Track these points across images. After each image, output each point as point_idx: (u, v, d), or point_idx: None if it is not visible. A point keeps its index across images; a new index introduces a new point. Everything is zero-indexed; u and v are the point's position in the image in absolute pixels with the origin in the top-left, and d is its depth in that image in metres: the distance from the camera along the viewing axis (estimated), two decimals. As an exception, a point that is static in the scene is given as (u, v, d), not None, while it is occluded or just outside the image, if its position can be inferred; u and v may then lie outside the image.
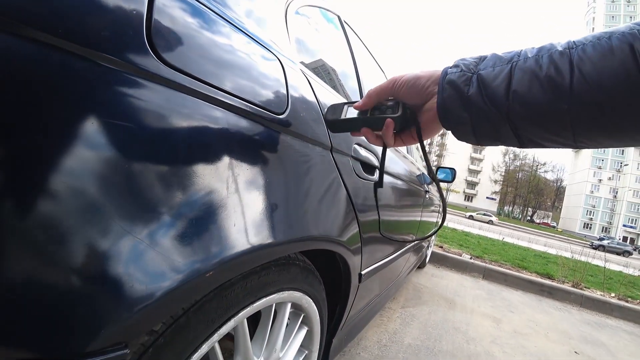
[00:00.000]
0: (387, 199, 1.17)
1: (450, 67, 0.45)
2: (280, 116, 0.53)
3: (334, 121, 0.55)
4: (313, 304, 0.74)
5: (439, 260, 3.94)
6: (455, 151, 61.24)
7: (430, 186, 2.37)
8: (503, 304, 2.87)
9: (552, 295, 3.46)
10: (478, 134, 0.44)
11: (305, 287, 0.68)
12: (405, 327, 1.94)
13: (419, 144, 0.53)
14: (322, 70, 0.94)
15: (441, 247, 4.89)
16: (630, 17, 53.68)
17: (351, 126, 0.55)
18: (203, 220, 0.38)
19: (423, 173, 2.14)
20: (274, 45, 0.59)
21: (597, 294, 3.68)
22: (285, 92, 0.56)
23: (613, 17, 55.06)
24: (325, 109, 0.54)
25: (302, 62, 0.74)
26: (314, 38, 0.93)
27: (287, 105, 0.56)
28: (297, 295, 0.66)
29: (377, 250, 1.12)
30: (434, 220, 3.02)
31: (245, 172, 0.45)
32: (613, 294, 4.00)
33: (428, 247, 3.31)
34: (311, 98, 0.66)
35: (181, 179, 0.36)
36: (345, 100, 0.56)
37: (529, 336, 2.25)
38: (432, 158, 64.11)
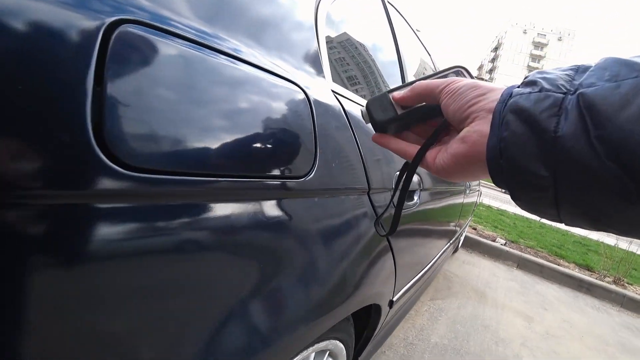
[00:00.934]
0: (424, 211, 1.09)
1: (520, 86, 0.28)
2: (305, 178, 0.45)
3: (391, 120, 0.39)
4: (340, 345, 0.71)
5: (472, 245, 3.83)
6: (509, 72, 57.29)
7: None
8: (537, 299, 2.77)
9: (591, 292, 3.30)
10: (568, 208, 0.26)
11: (337, 334, 0.65)
12: (433, 323, 1.92)
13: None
14: (361, 62, 0.82)
15: (475, 228, 4.75)
16: None
17: (412, 119, 0.40)
18: (251, 322, 0.37)
19: None
20: (298, 70, 0.47)
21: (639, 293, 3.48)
22: (312, 142, 0.46)
23: None
24: (365, 109, 0.41)
25: (336, 69, 0.63)
26: (352, 27, 0.80)
27: (314, 160, 0.47)
28: (326, 343, 0.63)
29: (410, 270, 1.07)
30: (474, 199, 2.90)
31: (274, 257, 0.41)
32: (659, 293, 3.76)
33: (462, 232, 3.21)
34: (347, 134, 0.57)
35: (212, 289, 0.33)
36: (385, 91, 0.41)
37: (562, 339, 2.17)
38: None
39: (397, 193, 0.42)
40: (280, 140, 0.40)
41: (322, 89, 0.53)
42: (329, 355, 0.75)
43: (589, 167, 0.23)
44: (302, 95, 0.45)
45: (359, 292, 0.63)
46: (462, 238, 3.45)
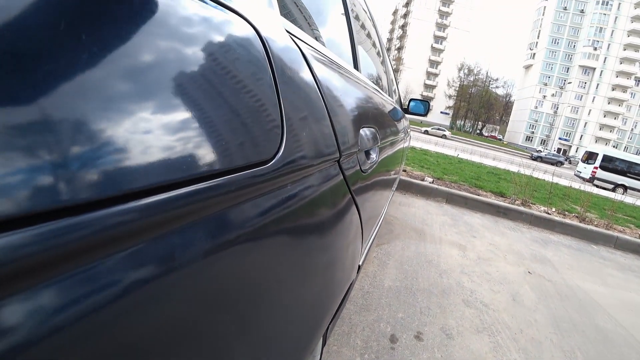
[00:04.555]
0: (377, 168, 1.03)
1: None
2: (272, 161, 0.31)
3: None
4: None
5: (405, 187, 4.04)
6: (412, 65, 60.41)
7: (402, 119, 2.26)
8: (466, 228, 3.06)
9: (507, 216, 3.75)
10: None
11: None
12: (383, 268, 1.98)
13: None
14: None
15: (405, 170, 5.02)
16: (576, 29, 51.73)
17: None
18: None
19: (395, 107, 1.99)
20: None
21: (541, 211, 4.06)
22: (277, 108, 0.32)
23: (559, 27, 52.77)
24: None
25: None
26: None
27: (281, 133, 0.33)
28: None
29: (369, 228, 1.03)
30: (409, 143, 2.97)
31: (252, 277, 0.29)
32: (554, 209, 4.46)
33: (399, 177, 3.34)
34: (313, 90, 0.44)
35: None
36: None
37: (491, 261, 2.43)
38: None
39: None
40: (232, 113, 0.26)
41: (276, 27, 0.38)
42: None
43: None
44: (255, 39, 0.31)
45: (348, 273, 0.54)
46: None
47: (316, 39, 0.61)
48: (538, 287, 2.18)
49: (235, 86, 0.27)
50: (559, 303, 2.03)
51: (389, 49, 66.40)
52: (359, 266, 0.84)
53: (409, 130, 3.23)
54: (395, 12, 70.00)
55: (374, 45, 1.53)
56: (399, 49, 64.29)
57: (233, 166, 0.25)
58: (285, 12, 0.49)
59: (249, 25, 0.30)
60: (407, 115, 2.71)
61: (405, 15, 64.08)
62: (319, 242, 0.45)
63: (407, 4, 63.82)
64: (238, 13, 0.29)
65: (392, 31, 69.24)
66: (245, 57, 0.28)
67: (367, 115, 0.77)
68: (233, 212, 0.26)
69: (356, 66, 0.89)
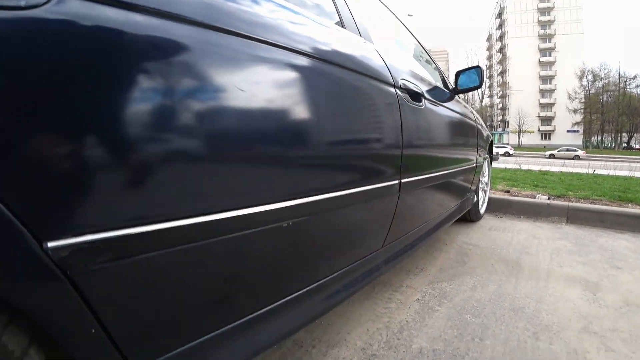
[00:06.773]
0: None
1: None
2: None
3: None
4: None
5: (502, 207, 3.01)
6: (520, 87, 53.98)
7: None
8: (602, 256, 1.93)
9: (681, 233, 2.36)
10: None
11: None
12: (425, 316, 1.20)
13: None
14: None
15: (508, 191, 3.88)
16: None
17: None
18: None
19: (437, 86, 1.55)
20: None
21: None
22: None
23: None
24: None
25: None
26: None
27: None
28: None
29: None
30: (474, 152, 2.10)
31: None
32: None
33: (476, 193, 2.43)
34: None
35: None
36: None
37: (654, 307, 1.35)
38: (496, 101, 58.19)
39: None
40: None
41: None
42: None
43: None
44: None
45: None
46: (483, 202, 2.71)
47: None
48: None
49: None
50: None
51: (490, 76, 61.73)
52: None
53: (478, 120, 2.31)
54: (489, 38, 65.91)
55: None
56: (502, 73, 58.94)
57: None
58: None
59: None
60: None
61: (501, 38, 59.64)
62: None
63: (500, 26, 59.68)
64: None
65: (489, 57, 64.43)
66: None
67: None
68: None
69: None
